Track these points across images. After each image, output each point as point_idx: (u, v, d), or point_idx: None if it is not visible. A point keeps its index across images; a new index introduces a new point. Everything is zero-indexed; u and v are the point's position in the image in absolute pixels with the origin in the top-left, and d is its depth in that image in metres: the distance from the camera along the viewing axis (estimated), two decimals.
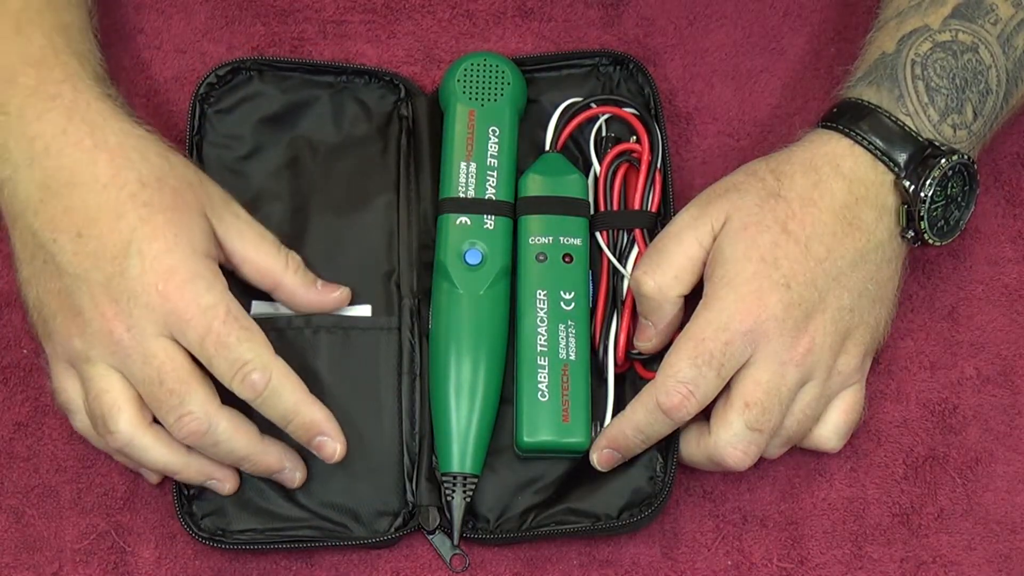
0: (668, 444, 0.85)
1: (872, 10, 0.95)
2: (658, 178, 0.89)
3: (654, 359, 0.86)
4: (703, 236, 0.83)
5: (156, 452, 0.80)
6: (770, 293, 0.81)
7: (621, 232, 0.88)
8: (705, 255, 0.83)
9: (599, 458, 0.84)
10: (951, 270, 0.91)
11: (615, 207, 0.89)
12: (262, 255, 0.84)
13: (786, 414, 0.82)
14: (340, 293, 0.86)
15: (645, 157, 0.89)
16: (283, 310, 0.87)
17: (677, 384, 0.80)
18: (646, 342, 0.85)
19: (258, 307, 0.87)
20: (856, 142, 0.83)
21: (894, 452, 0.88)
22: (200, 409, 0.79)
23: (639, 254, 0.87)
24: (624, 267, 0.87)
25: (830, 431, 0.84)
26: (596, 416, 0.86)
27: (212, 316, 0.79)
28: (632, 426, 0.82)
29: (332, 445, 0.82)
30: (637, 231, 0.88)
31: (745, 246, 0.81)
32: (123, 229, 0.79)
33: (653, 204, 0.89)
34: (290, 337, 0.86)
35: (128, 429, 0.80)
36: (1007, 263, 0.92)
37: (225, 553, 0.85)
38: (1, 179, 0.82)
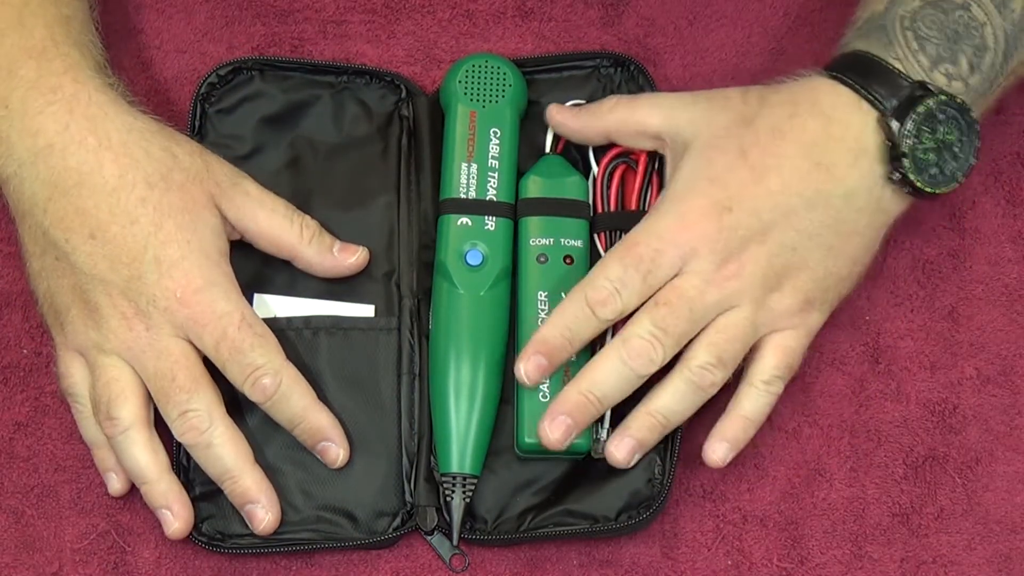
0: (667, 447, 0.85)
1: None
2: (655, 179, 0.89)
3: None
4: (671, 119, 0.85)
5: (142, 453, 0.82)
6: (710, 213, 0.81)
7: (619, 233, 0.88)
8: (657, 134, 0.86)
9: (527, 368, 0.83)
10: (951, 270, 0.91)
11: (612, 209, 0.89)
12: (276, 230, 0.85)
13: (706, 328, 0.82)
14: (358, 257, 0.87)
15: (643, 158, 0.89)
16: (283, 311, 0.87)
17: (605, 281, 0.82)
18: (564, 117, 0.89)
19: (259, 309, 0.87)
20: (840, 81, 0.83)
21: (894, 452, 0.88)
22: (205, 409, 0.81)
23: None
24: None
25: (759, 367, 0.84)
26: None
27: (227, 322, 0.81)
28: (561, 324, 0.82)
29: (336, 451, 0.84)
30: None
31: (700, 165, 0.83)
32: (137, 235, 0.81)
33: (651, 205, 0.89)
34: (290, 338, 0.86)
35: (129, 418, 0.81)
36: (1007, 263, 0.92)
37: (225, 553, 0.85)
38: (6, 175, 0.82)
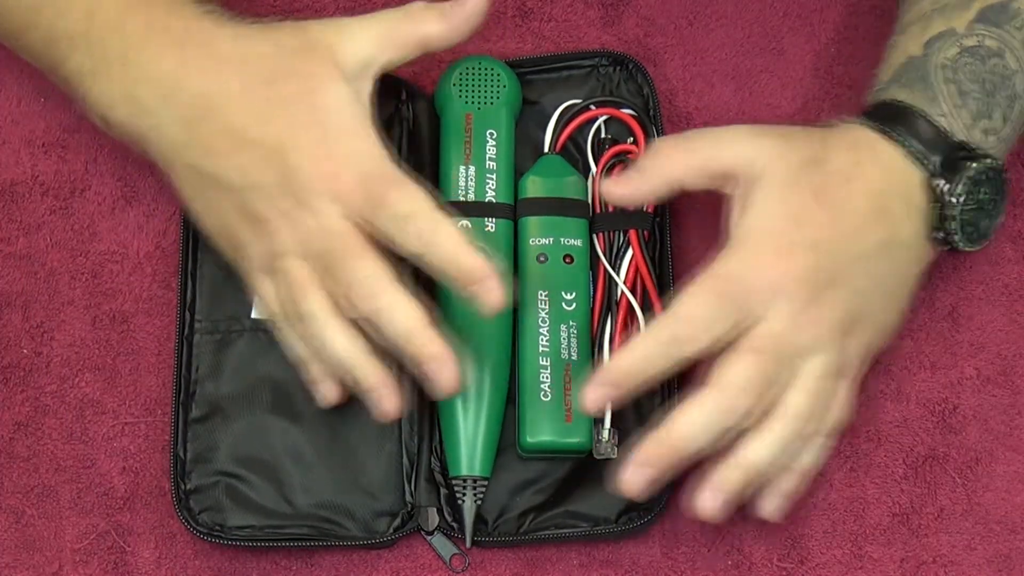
0: None
1: (874, 10, 0.95)
2: None
3: None
4: (741, 154, 0.82)
5: (340, 338, 0.80)
6: (797, 252, 0.80)
7: (617, 233, 0.88)
8: (724, 171, 0.82)
9: (591, 396, 0.79)
10: (951, 270, 0.91)
11: (610, 208, 0.89)
12: (393, 38, 0.83)
13: (797, 375, 0.79)
14: (472, 3, 0.84)
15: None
16: None
17: (692, 317, 0.79)
18: (620, 187, 0.83)
19: (259, 309, 0.87)
20: (891, 139, 0.83)
21: (894, 452, 0.88)
22: (370, 273, 0.79)
23: (633, 256, 0.88)
24: (617, 271, 0.87)
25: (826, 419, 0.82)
26: (597, 417, 0.86)
27: (369, 181, 0.79)
28: (639, 356, 0.79)
29: (491, 292, 0.79)
30: (632, 232, 0.88)
31: (777, 201, 0.80)
32: (274, 132, 0.80)
33: (649, 205, 0.89)
34: None
35: (317, 308, 0.80)
36: (1007, 263, 0.92)
37: (225, 553, 0.85)
38: (144, 131, 0.83)
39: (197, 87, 0.81)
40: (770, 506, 0.83)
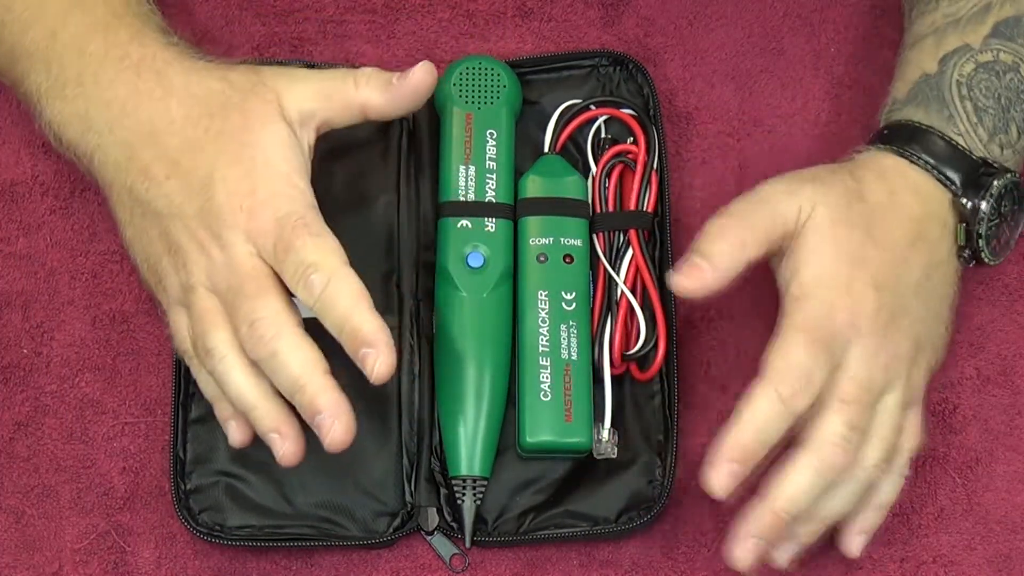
0: (668, 448, 0.85)
1: (874, 10, 0.95)
2: (654, 179, 0.89)
3: (648, 360, 0.86)
4: (789, 211, 0.81)
5: (242, 377, 0.79)
6: (863, 291, 0.79)
7: (617, 233, 0.88)
8: (783, 230, 0.81)
9: (719, 481, 0.77)
10: None
11: (611, 208, 0.89)
12: (335, 98, 0.83)
13: (874, 427, 0.80)
14: (420, 69, 0.82)
15: (641, 158, 0.89)
16: None
17: (796, 371, 0.77)
18: (690, 280, 0.80)
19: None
20: (911, 162, 0.83)
21: None
22: (271, 315, 0.77)
23: (633, 256, 0.88)
24: (617, 271, 0.87)
25: (898, 453, 0.82)
26: (597, 417, 0.86)
27: (284, 224, 0.78)
28: (753, 427, 0.77)
29: (373, 359, 0.76)
30: (632, 231, 0.88)
31: (835, 243, 0.80)
32: (204, 162, 0.80)
33: (649, 205, 0.89)
34: None
35: (224, 345, 0.78)
36: (1007, 263, 0.91)
37: (225, 553, 0.85)
38: (90, 151, 0.83)
39: (144, 114, 0.82)
40: (853, 545, 0.83)
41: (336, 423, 0.76)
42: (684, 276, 0.80)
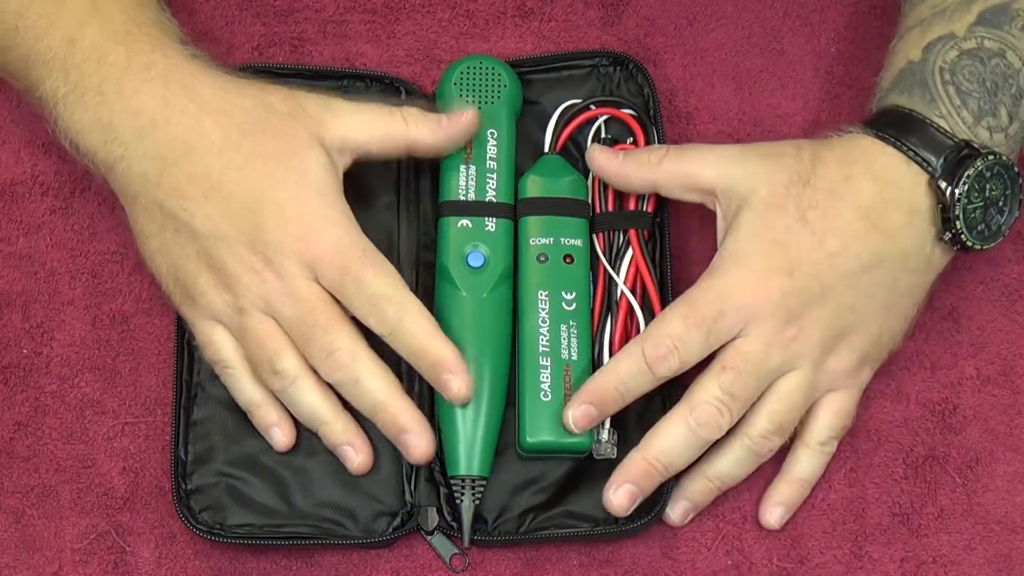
0: None
1: (874, 10, 0.95)
2: None
3: None
4: (726, 174, 0.84)
5: (315, 396, 0.83)
6: (773, 276, 0.81)
7: (617, 233, 0.88)
8: (707, 188, 0.84)
9: (575, 415, 0.83)
10: (951, 270, 0.91)
11: (611, 208, 0.89)
12: (380, 129, 0.85)
13: (766, 394, 0.82)
14: (466, 116, 0.86)
15: None
16: None
17: (665, 337, 0.81)
18: (606, 161, 0.87)
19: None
20: (889, 143, 0.83)
21: (894, 452, 0.88)
22: (348, 345, 0.81)
23: (633, 256, 0.88)
24: (617, 271, 0.87)
25: (815, 429, 0.85)
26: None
27: (348, 256, 0.81)
28: (615, 378, 0.82)
29: (457, 384, 0.82)
30: (632, 231, 0.88)
31: (762, 225, 0.82)
32: (250, 186, 0.81)
33: (649, 205, 0.89)
34: None
35: (295, 368, 0.82)
36: (1007, 263, 0.92)
37: (225, 553, 0.85)
38: (112, 160, 0.83)
39: (178, 130, 0.82)
40: (771, 516, 0.86)
41: (419, 439, 0.82)
42: (603, 154, 0.87)
